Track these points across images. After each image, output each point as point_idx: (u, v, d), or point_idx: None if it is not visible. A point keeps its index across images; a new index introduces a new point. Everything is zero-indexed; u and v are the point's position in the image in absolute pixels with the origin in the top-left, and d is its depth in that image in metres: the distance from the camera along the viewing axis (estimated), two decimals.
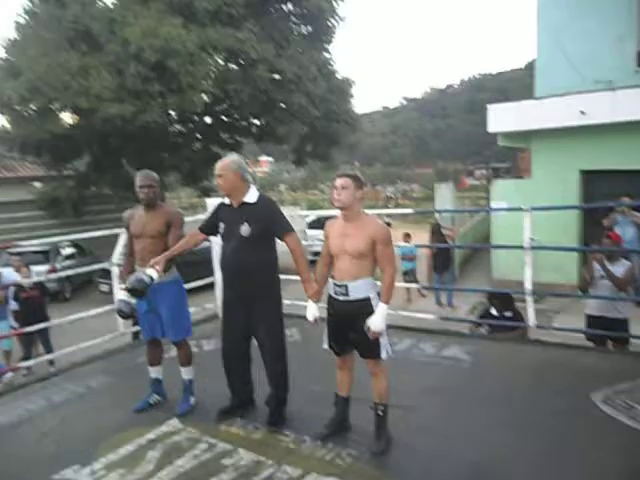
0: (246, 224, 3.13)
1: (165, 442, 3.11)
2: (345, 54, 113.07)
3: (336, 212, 3.11)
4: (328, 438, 3.05)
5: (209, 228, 3.41)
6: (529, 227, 4.73)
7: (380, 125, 63.51)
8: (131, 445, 3.09)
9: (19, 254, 8.61)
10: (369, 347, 2.91)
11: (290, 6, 15.38)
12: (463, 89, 67.71)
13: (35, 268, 9.47)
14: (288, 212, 3.67)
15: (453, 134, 55.97)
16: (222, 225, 3.29)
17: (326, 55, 16.04)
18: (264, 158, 48.00)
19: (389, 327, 2.97)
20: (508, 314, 5.23)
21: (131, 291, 3.15)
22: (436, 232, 10.65)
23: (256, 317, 3.24)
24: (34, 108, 12.12)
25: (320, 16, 15.35)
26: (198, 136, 17.38)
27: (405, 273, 10.93)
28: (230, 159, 3.24)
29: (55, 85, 11.73)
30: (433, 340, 4.78)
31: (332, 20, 15.92)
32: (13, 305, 7.39)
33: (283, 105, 14.62)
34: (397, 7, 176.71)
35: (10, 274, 7.60)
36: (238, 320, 3.28)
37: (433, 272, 10.62)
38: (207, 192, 20.65)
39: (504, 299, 5.33)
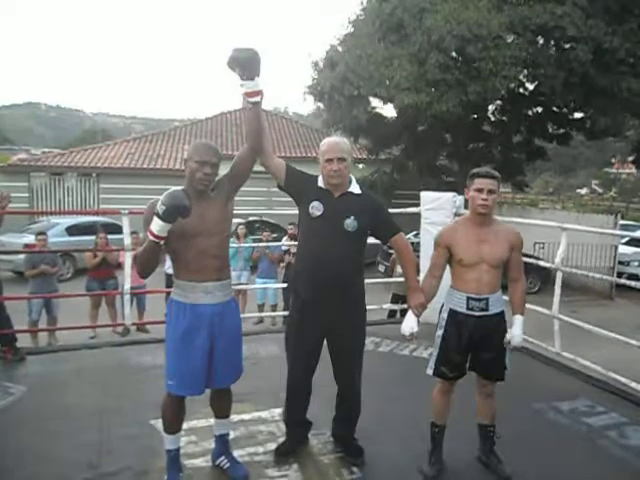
0: (352, 217, 2.60)
1: None
2: None
3: None
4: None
5: (290, 177, 2.71)
6: None
7: None
8: None
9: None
10: (500, 366, 2.70)
11: None
12: None
13: None
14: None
15: None
16: (316, 205, 2.63)
17: None
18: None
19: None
20: None
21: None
22: None
23: (342, 327, 2.69)
24: (345, 95, 13.26)
25: None
26: (520, 127, 16.05)
27: None
28: (346, 140, 2.74)
29: (362, 74, 12.64)
30: None
31: None
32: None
33: (607, 92, 12.08)
34: None
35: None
36: (317, 328, 2.69)
37: None
38: (521, 187, 19.05)
39: None
